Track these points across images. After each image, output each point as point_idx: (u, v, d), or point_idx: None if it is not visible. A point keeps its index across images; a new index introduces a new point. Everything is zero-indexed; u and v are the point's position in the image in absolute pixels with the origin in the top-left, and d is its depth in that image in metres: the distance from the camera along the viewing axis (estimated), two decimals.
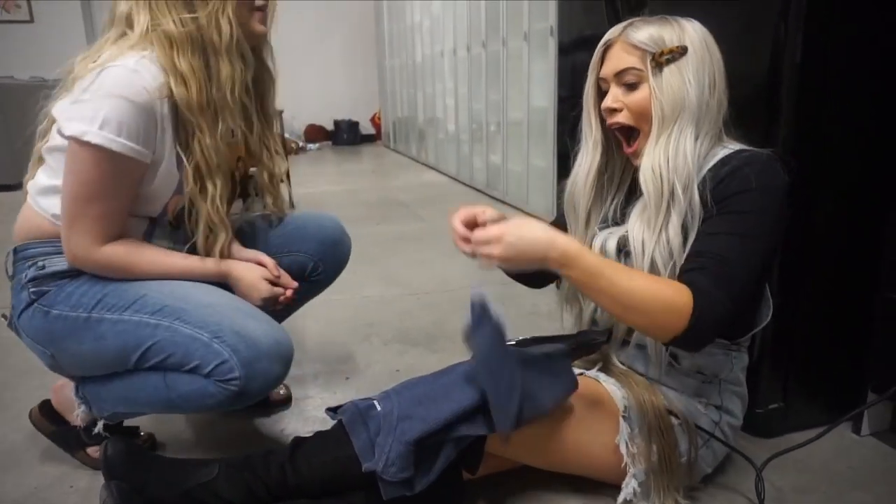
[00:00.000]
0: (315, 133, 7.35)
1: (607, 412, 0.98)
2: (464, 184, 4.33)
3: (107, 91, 0.92)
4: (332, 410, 1.00)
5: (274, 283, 1.12)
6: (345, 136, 7.36)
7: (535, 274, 1.08)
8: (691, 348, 0.92)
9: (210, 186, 1.03)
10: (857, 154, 1.12)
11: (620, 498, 0.97)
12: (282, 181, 1.23)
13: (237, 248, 1.16)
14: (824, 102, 1.07)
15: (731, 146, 0.94)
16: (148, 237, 1.08)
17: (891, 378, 1.06)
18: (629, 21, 0.95)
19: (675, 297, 0.82)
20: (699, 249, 0.88)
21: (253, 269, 1.10)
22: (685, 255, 0.89)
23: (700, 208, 0.89)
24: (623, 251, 0.98)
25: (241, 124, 1.08)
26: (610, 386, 1.02)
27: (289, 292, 1.13)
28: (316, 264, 1.27)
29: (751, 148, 0.93)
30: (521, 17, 3.09)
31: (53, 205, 1.01)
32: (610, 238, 1.00)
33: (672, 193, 0.89)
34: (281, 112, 3.96)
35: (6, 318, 1.08)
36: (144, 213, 1.06)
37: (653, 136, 0.92)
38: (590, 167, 1.02)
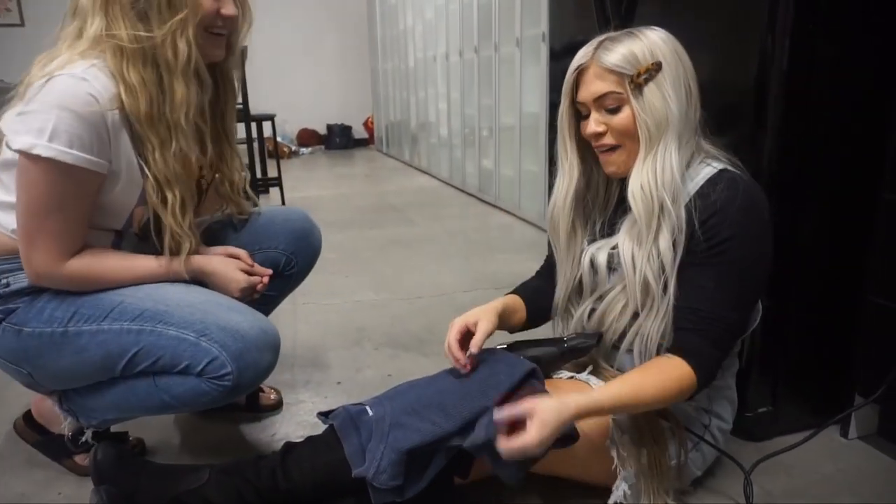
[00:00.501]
0: (307, 137, 7.34)
1: None
2: (456, 188, 4.34)
3: (54, 102, 0.88)
4: (324, 415, 1.00)
5: (249, 273, 1.11)
6: (337, 140, 7.35)
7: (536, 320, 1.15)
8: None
9: (170, 196, 0.99)
10: (843, 160, 1.13)
11: (611, 500, 0.97)
12: (245, 194, 1.21)
13: (204, 248, 1.14)
14: (811, 109, 1.08)
15: (714, 162, 0.95)
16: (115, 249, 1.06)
17: (878, 381, 1.07)
18: (597, 42, 0.94)
19: (680, 382, 0.89)
20: (693, 306, 0.91)
21: (227, 262, 1.09)
22: (679, 303, 0.92)
23: (687, 228, 0.90)
24: (611, 267, 0.99)
25: (196, 147, 1.02)
26: None
27: (265, 279, 1.13)
28: (289, 258, 1.26)
29: (731, 165, 0.94)
30: (514, 23, 3.11)
31: (13, 220, 0.97)
32: (599, 252, 1.01)
33: (662, 208, 0.90)
34: (273, 116, 3.96)
35: None
36: (109, 226, 1.04)
37: (640, 156, 0.93)
38: (567, 191, 1.03)
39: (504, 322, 1.06)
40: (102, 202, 0.99)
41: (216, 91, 1.09)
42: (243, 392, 0.99)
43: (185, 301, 0.99)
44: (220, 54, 1.04)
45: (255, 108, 3.60)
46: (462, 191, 4.22)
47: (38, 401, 1.18)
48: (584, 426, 0.96)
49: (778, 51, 1.05)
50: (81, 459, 1.15)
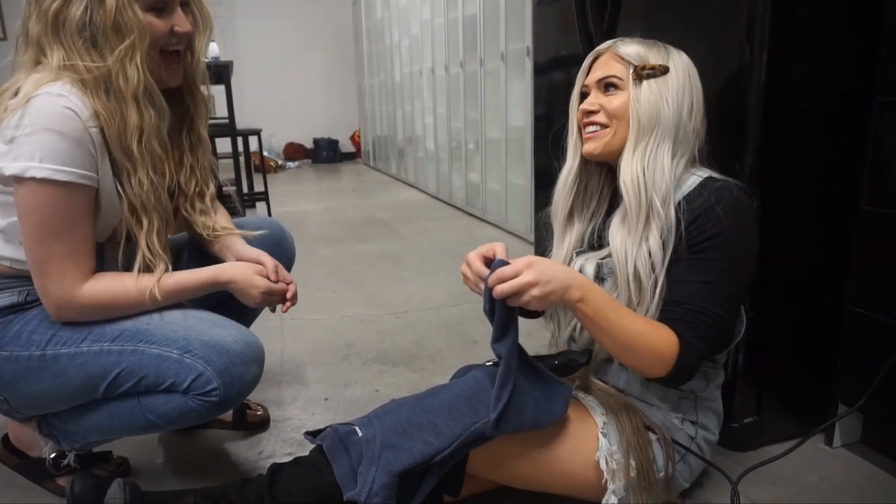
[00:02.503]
0: (294, 151, 7.34)
1: (586, 429, 0.99)
2: (443, 202, 4.35)
3: (38, 123, 0.87)
4: (312, 434, 0.99)
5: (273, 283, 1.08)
6: (324, 154, 7.37)
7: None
8: (668, 386, 0.99)
9: (145, 221, 0.98)
10: (822, 172, 1.15)
11: None
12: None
13: (242, 245, 1.14)
14: (789, 123, 1.10)
15: (702, 172, 0.97)
16: (99, 265, 1.02)
17: (861, 390, 1.09)
18: (621, 38, 1.00)
19: (665, 347, 0.89)
20: (678, 300, 0.92)
21: (244, 268, 1.06)
22: (665, 298, 0.93)
23: (676, 230, 0.92)
24: (599, 277, 1.00)
25: (151, 174, 0.97)
26: (589, 403, 1.03)
27: (292, 286, 1.11)
28: None
29: (719, 176, 0.96)
30: (498, 38, 3.14)
31: None
32: (587, 264, 1.02)
33: (651, 206, 0.93)
34: (259, 131, 3.96)
35: None
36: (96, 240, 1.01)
37: (629, 144, 0.96)
38: (569, 169, 1.06)
39: None
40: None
41: (183, 104, 1.08)
42: (230, 407, 0.98)
43: (166, 318, 0.98)
44: (177, 80, 1.02)
45: (242, 122, 3.59)
46: (449, 204, 4.23)
47: (16, 425, 1.15)
48: (570, 441, 0.97)
49: (756, 65, 1.07)
50: (64, 482, 1.12)
